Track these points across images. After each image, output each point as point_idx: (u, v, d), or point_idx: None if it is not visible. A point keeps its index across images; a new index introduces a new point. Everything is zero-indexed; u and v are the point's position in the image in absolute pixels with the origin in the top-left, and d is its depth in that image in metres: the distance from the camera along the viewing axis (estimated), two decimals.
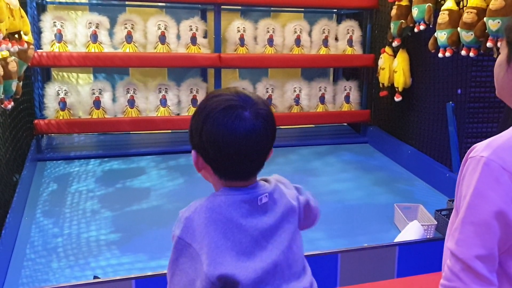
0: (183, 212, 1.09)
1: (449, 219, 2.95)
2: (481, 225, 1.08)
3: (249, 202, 1.08)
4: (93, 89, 4.35)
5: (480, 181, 1.09)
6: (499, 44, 2.82)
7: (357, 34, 4.83)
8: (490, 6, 2.81)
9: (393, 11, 3.98)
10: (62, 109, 4.22)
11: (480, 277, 1.07)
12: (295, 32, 4.71)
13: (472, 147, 1.17)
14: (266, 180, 1.17)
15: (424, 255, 2.39)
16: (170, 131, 4.82)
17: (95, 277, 2.33)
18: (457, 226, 1.12)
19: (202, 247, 1.02)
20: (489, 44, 2.86)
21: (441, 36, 3.25)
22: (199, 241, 1.03)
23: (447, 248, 1.15)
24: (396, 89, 4.19)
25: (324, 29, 4.79)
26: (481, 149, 1.12)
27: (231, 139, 1.03)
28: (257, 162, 1.10)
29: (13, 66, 2.65)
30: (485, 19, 2.86)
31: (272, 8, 5.11)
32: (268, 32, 4.67)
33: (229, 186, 1.10)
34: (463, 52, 3.13)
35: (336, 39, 4.87)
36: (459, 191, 1.18)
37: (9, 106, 2.75)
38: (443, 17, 3.23)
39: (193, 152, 1.10)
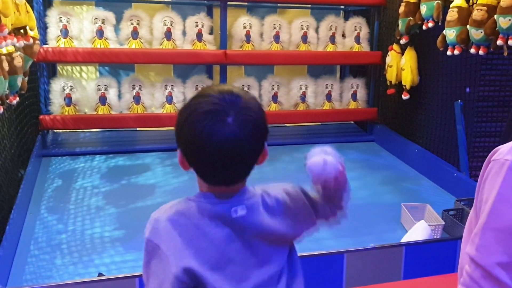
0: (154, 213, 1.07)
1: (457, 220, 2.91)
2: (504, 231, 1.04)
3: (221, 212, 1.02)
4: (98, 85, 4.33)
5: (504, 186, 1.05)
6: (510, 42, 2.78)
7: (364, 31, 4.79)
8: (501, 3, 2.76)
9: (401, 8, 3.94)
10: (68, 105, 4.21)
11: (502, 285, 1.03)
12: (302, 28, 4.68)
13: (495, 149, 1.13)
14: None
15: (431, 256, 2.36)
16: None
17: (100, 274, 2.32)
18: (478, 232, 1.08)
19: (168, 248, 1.00)
20: (499, 42, 2.82)
21: (450, 33, 3.21)
22: (165, 243, 1.00)
23: (466, 254, 1.12)
24: (404, 87, 4.15)
25: (331, 25, 4.75)
26: (505, 152, 1.08)
27: (207, 145, 0.98)
28: (239, 170, 1.03)
29: (18, 61, 2.64)
30: (495, 16, 2.82)
31: (278, 4, 5.07)
32: (275, 28, 4.64)
33: (212, 190, 1.05)
34: (472, 50, 3.09)
35: (343, 36, 4.83)
36: (479, 195, 1.15)
37: (15, 102, 2.74)
38: (452, 15, 3.19)
39: (178, 151, 1.07)
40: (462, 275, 1.13)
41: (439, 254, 2.35)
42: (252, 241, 1.05)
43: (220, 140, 0.97)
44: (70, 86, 4.24)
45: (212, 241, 1.01)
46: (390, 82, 4.32)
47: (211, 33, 4.53)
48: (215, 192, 1.05)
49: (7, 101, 2.61)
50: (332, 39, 4.75)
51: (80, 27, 4.23)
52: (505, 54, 2.91)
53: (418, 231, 2.66)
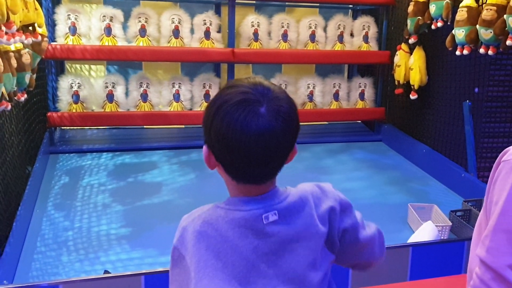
0: (184, 219, 1.00)
1: (464, 220, 2.89)
2: None
3: (251, 220, 0.94)
4: (106, 83, 4.35)
5: None
6: None
7: (373, 30, 4.77)
8: (511, 3, 2.73)
9: (410, 8, 3.91)
10: (75, 102, 4.23)
11: None
12: (310, 27, 4.66)
13: (505, 150, 1.12)
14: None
15: (438, 257, 2.34)
16: (182, 126, 4.81)
17: (105, 272, 2.32)
18: (488, 233, 1.07)
19: (192, 262, 0.94)
20: (509, 42, 2.79)
21: (459, 33, 3.18)
22: (190, 255, 0.94)
23: (477, 256, 1.10)
24: (412, 87, 4.12)
25: (339, 24, 4.73)
26: None
27: (241, 138, 0.90)
28: (272, 166, 0.96)
29: (26, 58, 2.64)
30: (505, 16, 2.79)
31: (287, 3, 5.05)
32: (283, 27, 4.63)
33: (240, 191, 0.98)
34: (482, 50, 3.06)
35: (352, 35, 4.81)
36: (489, 196, 1.13)
37: (22, 99, 2.75)
38: (461, 14, 3.16)
39: (204, 147, 0.98)
40: (471, 278, 1.12)
41: (446, 255, 2.33)
42: (286, 250, 0.96)
43: (258, 132, 0.90)
44: (78, 83, 4.25)
45: (241, 254, 0.93)
46: (398, 81, 4.29)
47: (219, 31, 4.53)
48: (244, 193, 0.98)
49: (15, 98, 2.62)
50: (340, 38, 4.73)
51: (88, 25, 4.24)
52: None
53: (425, 232, 2.64)
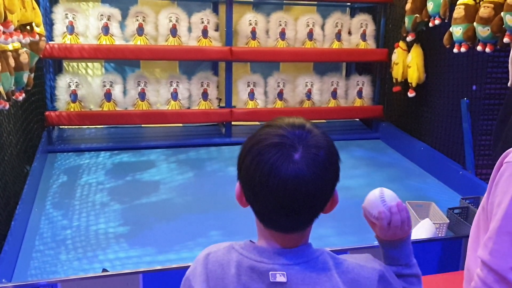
0: (203, 251, 0.97)
1: (462, 218, 2.89)
2: None
3: (258, 273, 0.88)
4: (104, 82, 4.34)
5: None
6: None
7: (370, 28, 4.77)
8: (508, 1, 2.74)
9: (408, 5, 3.92)
10: (73, 101, 4.22)
11: None
12: (308, 25, 4.66)
13: (507, 151, 1.11)
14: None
15: (436, 254, 2.35)
16: (180, 124, 4.81)
17: (104, 270, 2.32)
18: (491, 236, 1.06)
19: None
20: (506, 39, 2.80)
21: (457, 31, 3.19)
22: None
23: (478, 257, 1.10)
24: (410, 85, 4.13)
25: (337, 22, 4.73)
26: None
27: (268, 182, 0.84)
28: (302, 215, 0.88)
29: (24, 57, 2.64)
30: (502, 14, 2.80)
31: (284, 1, 5.06)
32: (280, 25, 4.63)
33: (267, 236, 0.92)
34: (479, 48, 3.07)
35: (349, 33, 4.82)
36: (490, 197, 1.12)
37: (20, 98, 2.75)
38: (459, 12, 3.17)
39: (237, 184, 0.95)
40: (469, 276, 1.12)
41: (443, 252, 2.34)
42: None
43: (284, 178, 0.84)
44: (76, 82, 4.25)
45: None
46: (396, 79, 4.30)
47: (216, 29, 4.53)
48: (269, 239, 0.92)
49: (13, 97, 2.62)
50: (338, 36, 4.73)
51: (86, 24, 4.24)
52: None
53: (423, 229, 2.65)
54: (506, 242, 1.04)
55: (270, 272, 0.87)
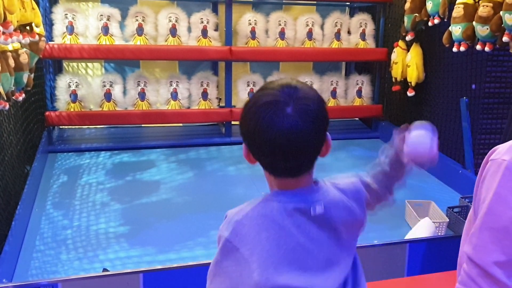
0: (233, 214, 1.04)
1: (461, 217, 2.90)
2: (501, 230, 1.05)
3: (301, 211, 1.01)
4: (104, 82, 4.35)
5: (501, 185, 1.05)
6: None
7: (370, 28, 4.78)
8: (507, 0, 2.74)
9: (407, 4, 3.92)
10: (73, 101, 4.23)
11: (499, 283, 1.04)
12: (307, 25, 4.67)
13: (493, 148, 1.13)
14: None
15: (435, 253, 2.35)
16: (180, 124, 4.82)
17: (104, 270, 2.33)
18: (475, 231, 1.09)
19: (252, 254, 0.98)
20: (505, 38, 2.80)
21: (456, 30, 3.19)
22: (249, 247, 0.98)
23: (464, 252, 1.12)
24: (409, 84, 4.13)
25: (336, 22, 4.74)
26: (503, 152, 1.08)
27: (267, 136, 0.96)
28: (302, 160, 1.01)
29: (24, 58, 2.64)
30: (501, 13, 2.80)
31: (284, 1, 5.07)
32: (280, 25, 4.63)
33: (279, 184, 1.04)
34: (478, 47, 3.07)
35: (349, 32, 4.82)
36: (477, 194, 1.15)
37: (20, 98, 2.75)
38: (458, 11, 3.17)
39: (243, 145, 1.05)
40: (460, 273, 1.14)
41: (443, 251, 2.35)
42: (335, 236, 1.04)
43: (280, 130, 0.95)
44: (76, 82, 4.25)
45: (298, 241, 1.00)
46: (396, 78, 4.30)
47: (216, 29, 4.53)
48: (283, 186, 1.03)
49: (13, 97, 2.62)
50: (338, 35, 4.73)
51: (85, 24, 4.24)
52: (511, 50, 2.89)
53: (422, 228, 2.65)
54: (489, 237, 1.07)
55: (311, 207, 1.01)
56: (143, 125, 4.79)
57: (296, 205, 1.01)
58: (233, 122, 4.61)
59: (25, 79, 2.72)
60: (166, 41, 4.35)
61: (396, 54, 4.26)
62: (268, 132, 0.96)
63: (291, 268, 0.98)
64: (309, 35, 4.66)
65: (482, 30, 2.98)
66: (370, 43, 4.78)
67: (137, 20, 4.30)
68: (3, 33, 2.14)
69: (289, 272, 0.98)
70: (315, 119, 0.99)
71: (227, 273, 1.00)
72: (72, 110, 4.21)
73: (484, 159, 1.15)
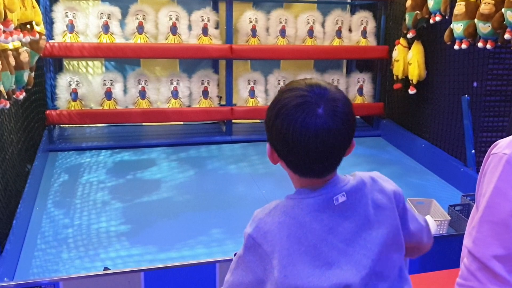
0: (258, 212, 1.07)
1: (463, 215, 2.89)
2: (500, 224, 1.05)
3: (323, 204, 1.02)
4: (104, 80, 4.34)
5: (501, 179, 1.05)
6: None
7: (371, 25, 4.77)
8: None
9: (408, 2, 3.91)
10: (74, 100, 4.23)
11: (498, 277, 1.04)
12: (308, 23, 4.66)
13: (495, 143, 1.13)
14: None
15: (437, 252, 2.35)
16: (181, 123, 4.82)
17: (105, 269, 2.33)
18: (475, 225, 1.09)
19: (273, 251, 1.00)
20: (507, 36, 2.79)
21: (457, 27, 3.18)
22: (270, 244, 1.00)
23: (464, 246, 1.12)
24: (411, 82, 4.12)
25: (337, 20, 4.73)
26: (504, 146, 1.08)
27: (301, 137, 0.98)
28: (332, 160, 1.03)
29: (24, 56, 2.64)
30: (503, 10, 2.79)
31: None
32: (281, 23, 4.62)
33: (304, 183, 1.06)
34: (480, 44, 3.06)
35: (350, 30, 4.81)
36: (479, 188, 1.15)
37: (21, 97, 2.75)
38: (459, 8, 3.16)
39: (267, 145, 1.07)
40: (461, 267, 1.14)
41: (444, 250, 2.34)
42: (367, 225, 1.04)
43: (314, 132, 0.97)
44: (76, 81, 4.25)
45: (319, 236, 1.01)
46: (397, 76, 4.29)
47: (217, 27, 4.52)
48: (308, 184, 1.05)
49: (14, 96, 2.62)
50: (339, 33, 4.72)
51: (86, 22, 4.24)
52: None
53: None
54: (488, 230, 1.07)
55: (333, 197, 1.02)
56: (143, 124, 4.79)
57: (318, 200, 1.02)
58: (233, 121, 4.60)
59: (25, 78, 2.72)
60: (166, 39, 4.34)
61: (398, 52, 4.24)
62: (302, 134, 0.97)
63: (313, 265, 0.99)
64: (310, 33, 4.65)
65: (483, 28, 2.97)
66: (371, 41, 4.76)
67: (137, 18, 4.30)
68: (4, 31, 2.14)
69: (310, 269, 0.98)
70: (344, 120, 1.01)
71: (250, 268, 1.03)
72: (72, 108, 4.21)
73: (486, 154, 1.15)
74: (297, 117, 0.98)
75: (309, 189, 1.04)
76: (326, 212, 1.02)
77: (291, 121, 0.98)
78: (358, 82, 4.89)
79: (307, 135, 0.97)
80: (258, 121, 4.95)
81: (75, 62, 4.73)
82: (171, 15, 4.35)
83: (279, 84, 4.71)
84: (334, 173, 1.07)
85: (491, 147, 1.13)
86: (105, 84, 4.33)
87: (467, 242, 1.11)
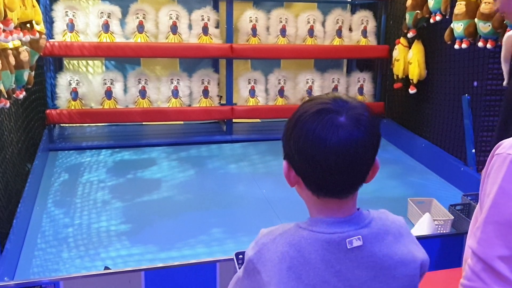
0: (264, 235, 0.99)
1: (463, 214, 2.89)
2: (505, 224, 1.04)
3: (333, 245, 0.93)
4: (104, 79, 4.34)
5: (506, 180, 1.05)
6: None
7: (371, 25, 4.76)
8: None
9: (409, 1, 3.91)
10: (74, 99, 4.22)
11: (502, 278, 1.03)
12: (308, 22, 4.65)
13: (499, 143, 1.13)
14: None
15: (438, 251, 2.35)
16: (181, 122, 4.82)
17: (106, 268, 2.33)
18: (480, 225, 1.08)
19: (270, 282, 0.93)
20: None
21: (458, 27, 3.18)
22: (268, 274, 0.93)
23: (468, 247, 1.12)
24: (411, 81, 4.12)
25: (338, 19, 4.73)
26: (508, 146, 1.08)
27: (321, 148, 0.89)
28: (355, 177, 0.94)
29: (24, 55, 2.64)
30: None
31: None
32: (281, 22, 4.62)
33: (320, 207, 0.97)
34: (480, 44, 3.06)
35: (350, 29, 4.81)
36: (483, 188, 1.14)
37: (21, 96, 2.74)
38: (460, 8, 3.16)
39: (284, 162, 0.98)
40: (465, 268, 1.13)
41: (445, 249, 2.34)
42: (371, 278, 0.95)
43: (339, 142, 0.89)
44: (77, 80, 4.25)
45: (322, 278, 0.92)
46: (397, 76, 4.29)
47: (217, 26, 4.52)
48: (325, 211, 0.97)
49: (14, 95, 2.62)
50: (339, 33, 4.72)
51: (86, 21, 4.24)
52: None
53: (424, 225, 2.65)
54: (493, 231, 1.05)
55: (347, 240, 0.92)
56: (144, 123, 4.78)
57: (330, 237, 0.93)
58: (234, 120, 4.60)
59: (25, 77, 2.72)
60: (166, 38, 4.34)
61: (398, 51, 4.24)
62: (322, 143, 0.89)
63: None
64: (311, 32, 4.65)
65: (484, 27, 2.97)
66: (371, 40, 4.76)
67: (137, 17, 4.29)
68: (4, 30, 2.14)
69: None
70: (369, 129, 0.93)
71: None
72: (72, 108, 4.20)
73: (490, 154, 1.14)
74: (316, 124, 0.89)
75: (325, 221, 0.95)
76: (335, 254, 0.93)
77: (310, 129, 0.90)
78: (359, 81, 4.89)
79: (328, 147, 0.89)
80: (258, 120, 4.95)
81: (75, 61, 4.73)
82: (171, 14, 4.34)
83: (279, 83, 4.71)
84: (352, 201, 0.98)
85: (495, 147, 1.13)
86: (105, 84, 4.33)
87: (471, 242, 1.10)
